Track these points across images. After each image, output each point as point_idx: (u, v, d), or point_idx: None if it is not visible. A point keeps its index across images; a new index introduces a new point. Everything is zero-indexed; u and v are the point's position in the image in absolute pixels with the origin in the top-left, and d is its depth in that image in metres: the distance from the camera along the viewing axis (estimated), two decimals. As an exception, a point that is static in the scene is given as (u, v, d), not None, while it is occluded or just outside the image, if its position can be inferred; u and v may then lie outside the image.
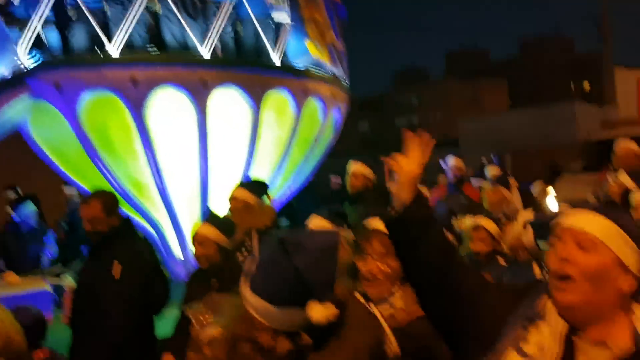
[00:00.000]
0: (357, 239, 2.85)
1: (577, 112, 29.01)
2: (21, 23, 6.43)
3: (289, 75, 7.22)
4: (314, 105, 7.65)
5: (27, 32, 6.30)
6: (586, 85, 44.53)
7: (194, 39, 6.62)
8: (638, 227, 1.88)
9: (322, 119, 7.87)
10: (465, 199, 7.47)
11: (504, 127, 32.89)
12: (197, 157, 6.76)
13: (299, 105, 7.33)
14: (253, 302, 1.55)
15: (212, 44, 6.70)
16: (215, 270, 3.95)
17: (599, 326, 1.56)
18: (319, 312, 1.51)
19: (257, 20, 7.15)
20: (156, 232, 7.23)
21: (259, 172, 7.05)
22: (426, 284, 1.76)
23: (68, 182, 7.09)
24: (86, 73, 6.33)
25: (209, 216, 4.63)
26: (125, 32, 6.53)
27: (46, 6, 6.33)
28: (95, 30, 6.46)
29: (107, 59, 6.35)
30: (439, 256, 1.73)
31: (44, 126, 6.65)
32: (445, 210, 7.66)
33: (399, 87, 58.80)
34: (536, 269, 3.50)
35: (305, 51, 7.46)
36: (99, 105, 6.43)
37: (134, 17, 6.42)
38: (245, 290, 1.57)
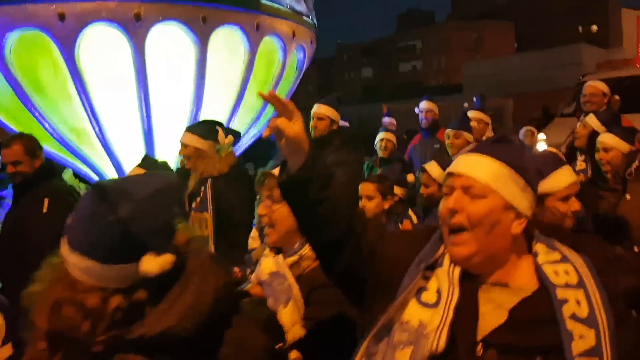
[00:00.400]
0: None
1: (582, 54, 28.16)
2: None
3: (238, 9, 6.58)
4: (270, 43, 7.03)
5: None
6: (593, 28, 43.20)
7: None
8: (534, 161, 1.91)
9: (282, 58, 7.26)
10: (438, 144, 6.95)
11: (509, 70, 32.15)
12: (137, 101, 6.23)
13: (252, 43, 6.72)
14: (73, 260, 1.40)
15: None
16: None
17: (499, 270, 1.54)
18: (150, 263, 1.38)
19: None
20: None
21: (209, 116, 6.55)
22: (327, 242, 1.69)
23: (4, 128, 6.59)
24: (9, 8, 5.74)
25: (141, 160, 4.18)
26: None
27: None
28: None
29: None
30: (339, 216, 1.66)
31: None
32: (417, 156, 7.18)
33: (402, 31, 57.47)
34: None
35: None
36: (26, 44, 5.87)
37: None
38: (64, 248, 1.43)
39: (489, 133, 6.62)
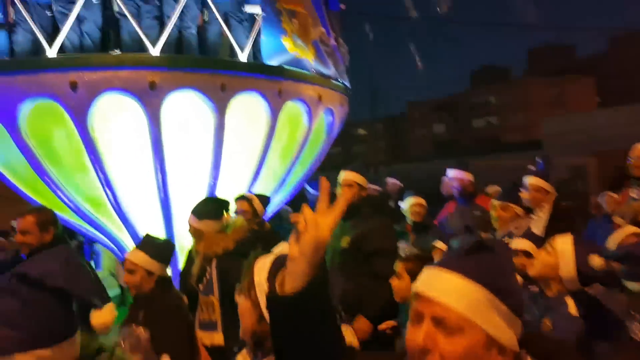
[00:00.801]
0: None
1: (672, 110, 26.53)
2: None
3: (258, 75, 6.38)
4: (294, 107, 6.77)
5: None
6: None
7: (144, 38, 5.93)
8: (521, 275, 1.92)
9: (307, 122, 6.97)
10: (478, 210, 6.43)
11: (592, 126, 30.73)
12: (153, 170, 6.06)
13: (274, 108, 6.48)
14: None
15: (164, 42, 5.98)
16: (143, 301, 3.60)
17: None
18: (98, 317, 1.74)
19: (226, 14, 6.40)
20: (120, 251, 6.61)
21: (229, 186, 6.31)
22: None
23: (24, 198, 6.57)
24: (23, 77, 5.76)
25: (142, 239, 3.98)
26: (79, 33, 5.99)
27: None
28: (42, 32, 5.94)
29: (44, 63, 5.76)
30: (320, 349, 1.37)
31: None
32: (455, 226, 6.64)
33: (476, 87, 56.63)
34: (571, 306, 3.03)
35: (282, 49, 6.60)
36: (39, 114, 5.86)
37: (76, 15, 5.82)
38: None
39: (548, 204, 5.94)
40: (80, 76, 5.72)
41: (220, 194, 6.29)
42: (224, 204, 4.25)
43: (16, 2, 5.82)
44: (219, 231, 4.03)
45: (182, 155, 6.14)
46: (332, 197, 1.36)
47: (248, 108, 6.39)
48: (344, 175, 4.75)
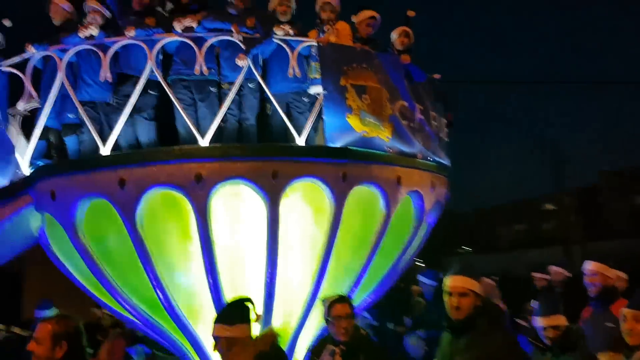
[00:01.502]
0: None
1: None
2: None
3: (316, 159, 5.73)
4: (365, 192, 5.98)
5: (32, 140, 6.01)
6: None
7: (193, 130, 5.64)
8: None
9: (385, 208, 6.10)
10: (612, 321, 5.09)
11: None
12: (203, 267, 5.59)
13: (338, 194, 5.75)
14: None
15: (215, 132, 5.64)
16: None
17: None
18: None
19: (288, 105, 6.01)
20: (180, 355, 6.15)
21: (290, 284, 5.68)
22: None
23: (91, 297, 6.46)
24: (79, 178, 5.70)
25: None
26: (140, 131, 5.92)
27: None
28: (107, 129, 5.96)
29: (95, 162, 5.68)
30: None
31: (55, 236, 6.14)
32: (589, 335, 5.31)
33: (683, 151, 50.08)
34: None
35: (348, 128, 5.90)
36: (94, 214, 5.74)
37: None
38: None
39: None
40: (129, 173, 5.53)
41: (280, 293, 5.65)
42: (249, 303, 3.71)
43: (75, 101, 5.86)
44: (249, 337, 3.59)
45: (231, 249, 5.61)
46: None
47: (306, 195, 5.74)
48: (454, 282, 3.88)
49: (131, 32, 5.67)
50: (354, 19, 6.62)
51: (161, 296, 5.70)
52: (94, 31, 5.76)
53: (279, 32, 5.90)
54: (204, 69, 5.76)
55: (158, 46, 5.78)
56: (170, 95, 5.73)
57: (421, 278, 7.37)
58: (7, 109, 6.26)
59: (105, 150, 5.71)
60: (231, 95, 5.71)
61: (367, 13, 6.60)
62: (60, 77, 5.82)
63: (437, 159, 6.75)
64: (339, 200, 5.77)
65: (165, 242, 5.70)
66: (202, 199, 5.46)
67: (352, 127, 5.91)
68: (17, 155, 6.01)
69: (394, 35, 6.82)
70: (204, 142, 5.60)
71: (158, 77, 5.73)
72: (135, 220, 5.55)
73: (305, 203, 5.78)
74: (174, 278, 5.72)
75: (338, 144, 5.82)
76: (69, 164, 5.88)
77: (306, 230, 5.81)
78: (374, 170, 6.02)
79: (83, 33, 5.78)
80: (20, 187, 5.89)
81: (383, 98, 6.17)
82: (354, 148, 5.86)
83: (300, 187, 5.69)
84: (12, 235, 6.05)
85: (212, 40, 5.83)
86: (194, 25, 5.76)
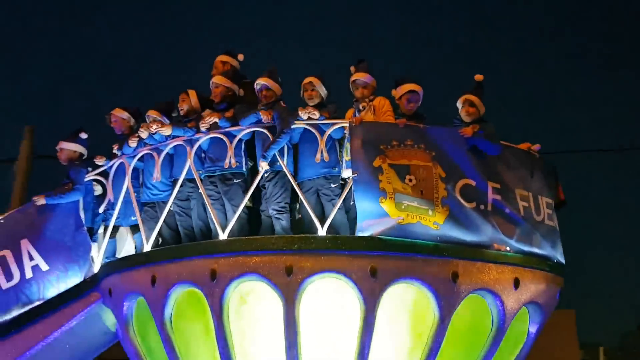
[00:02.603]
0: None
1: None
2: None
3: (338, 251, 4.99)
4: (411, 293, 5.03)
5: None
6: None
7: (216, 223, 5.41)
8: None
9: (438, 312, 5.02)
10: None
11: None
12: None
13: (367, 294, 4.92)
14: None
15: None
16: None
17: None
18: None
19: (318, 192, 5.50)
20: None
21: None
22: None
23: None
24: (124, 276, 5.80)
25: None
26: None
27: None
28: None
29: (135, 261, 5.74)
30: None
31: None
32: None
33: None
34: None
35: (381, 214, 5.09)
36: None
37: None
38: None
39: None
40: (158, 270, 5.47)
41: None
42: None
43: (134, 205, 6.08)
44: None
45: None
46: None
47: (328, 295, 5.01)
48: None
49: (168, 130, 5.83)
50: (393, 93, 5.87)
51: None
52: (143, 134, 6.02)
53: (303, 116, 5.49)
54: (233, 161, 5.57)
55: (195, 145, 5.76)
56: (202, 191, 5.63)
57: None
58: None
59: (147, 247, 5.76)
60: (250, 191, 5.41)
61: (405, 87, 5.77)
62: (126, 182, 6.10)
63: (523, 248, 5.43)
64: (369, 301, 4.92)
65: (191, 343, 5.42)
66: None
67: (387, 213, 5.09)
68: (92, 254, 6.39)
69: (459, 105, 5.84)
70: (224, 235, 5.32)
71: (194, 175, 5.69)
72: (164, 318, 5.42)
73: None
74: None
75: (367, 233, 5.05)
76: (116, 262, 6.05)
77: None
78: (416, 265, 5.04)
79: (133, 141, 6.09)
80: (89, 285, 6.20)
81: (434, 178, 5.25)
82: (387, 237, 5.01)
83: (318, 285, 4.99)
84: (87, 332, 6.32)
85: (241, 134, 5.65)
86: (216, 120, 5.69)
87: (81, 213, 6.36)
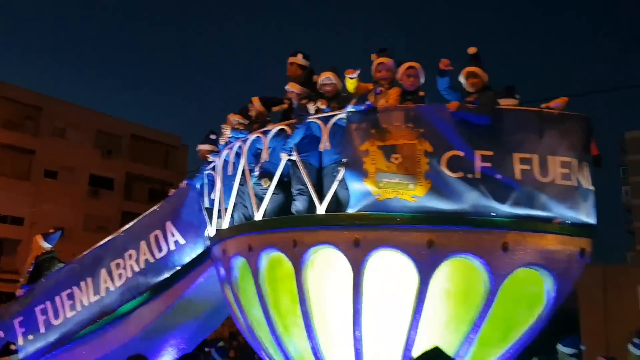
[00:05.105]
0: None
1: None
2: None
3: (328, 227, 5.82)
4: (389, 260, 5.63)
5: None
6: None
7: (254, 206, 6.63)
8: None
9: (418, 276, 5.53)
10: None
11: None
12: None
13: (355, 262, 5.68)
14: None
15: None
16: None
17: None
18: None
19: (330, 168, 6.28)
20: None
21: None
22: None
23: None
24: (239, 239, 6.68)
25: None
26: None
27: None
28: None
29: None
30: None
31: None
32: None
33: None
34: None
35: (366, 192, 5.73)
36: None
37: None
38: None
39: None
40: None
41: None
42: None
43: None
44: None
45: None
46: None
47: (325, 263, 5.89)
48: None
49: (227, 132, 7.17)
50: (396, 77, 6.24)
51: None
52: (227, 130, 7.34)
53: (311, 109, 6.28)
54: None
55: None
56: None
57: (561, 347, 5.81)
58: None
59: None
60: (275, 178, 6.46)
61: (404, 65, 6.19)
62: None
63: (519, 212, 5.46)
64: (356, 270, 5.67)
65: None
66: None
67: (370, 191, 5.72)
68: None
69: (462, 80, 6.00)
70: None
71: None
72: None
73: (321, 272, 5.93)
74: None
75: (352, 210, 5.76)
76: (224, 231, 7.09)
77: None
78: (398, 235, 5.57)
79: (224, 138, 7.42)
80: (207, 253, 7.85)
81: (418, 154, 5.65)
82: (368, 212, 5.66)
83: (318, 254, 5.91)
84: (209, 285, 7.81)
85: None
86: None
87: (205, 199, 8.09)
